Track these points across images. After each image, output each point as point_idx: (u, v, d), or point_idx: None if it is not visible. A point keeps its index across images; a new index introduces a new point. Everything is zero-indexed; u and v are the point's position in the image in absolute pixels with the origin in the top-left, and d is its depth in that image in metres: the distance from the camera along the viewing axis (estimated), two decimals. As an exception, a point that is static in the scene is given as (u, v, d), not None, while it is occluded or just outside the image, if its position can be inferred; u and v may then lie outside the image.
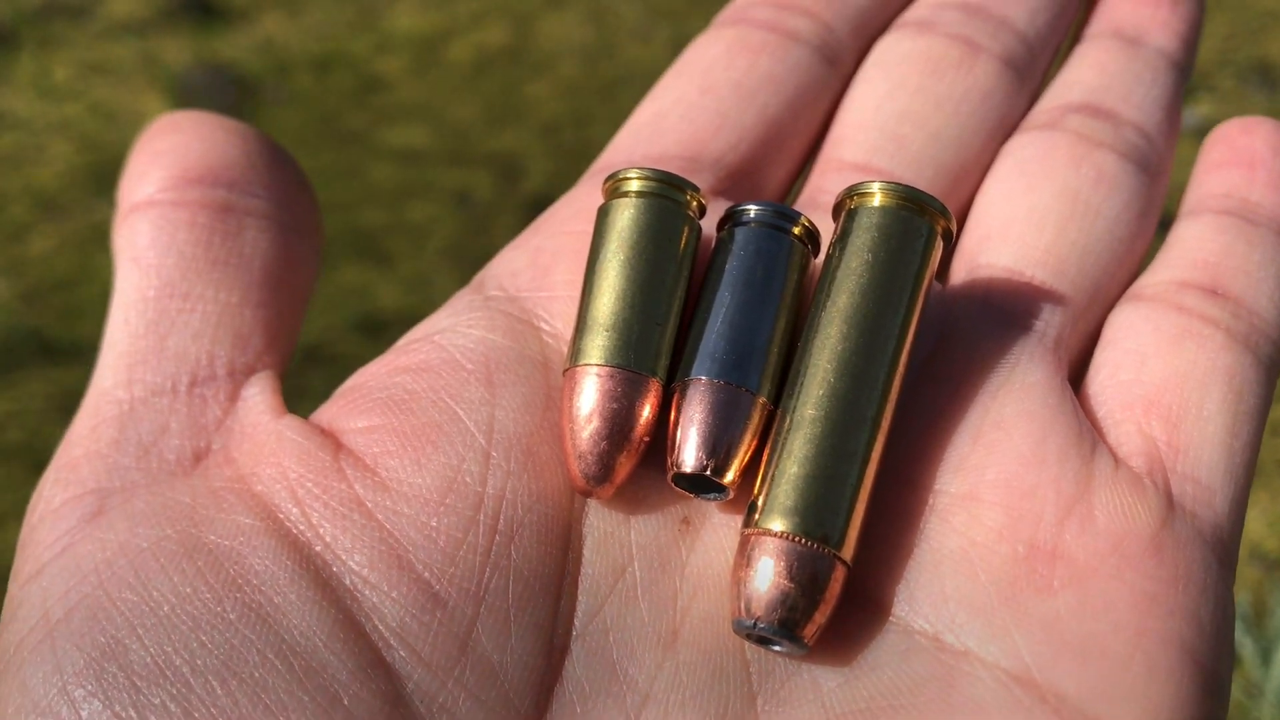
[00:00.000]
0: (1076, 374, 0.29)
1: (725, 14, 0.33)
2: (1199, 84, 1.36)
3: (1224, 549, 0.25)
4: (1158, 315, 0.28)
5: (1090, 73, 0.33)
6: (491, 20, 1.46)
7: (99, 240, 1.16)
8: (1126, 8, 0.34)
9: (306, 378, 1.00)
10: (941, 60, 0.32)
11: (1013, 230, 0.29)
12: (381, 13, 1.47)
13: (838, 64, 0.33)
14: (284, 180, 0.29)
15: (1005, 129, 0.32)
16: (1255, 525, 0.97)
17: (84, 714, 0.21)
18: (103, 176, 1.26)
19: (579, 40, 1.45)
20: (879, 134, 0.31)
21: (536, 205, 1.02)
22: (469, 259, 1.14)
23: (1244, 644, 0.87)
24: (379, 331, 1.08)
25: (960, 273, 0.30)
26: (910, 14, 0.34)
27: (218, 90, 1.35)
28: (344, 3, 1.48)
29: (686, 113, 0.31)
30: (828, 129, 0.33)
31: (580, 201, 0.29)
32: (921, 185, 0.30)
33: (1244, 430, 0.27)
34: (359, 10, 1.47)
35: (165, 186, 0.28)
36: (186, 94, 1.34)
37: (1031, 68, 0.33)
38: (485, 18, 1.47)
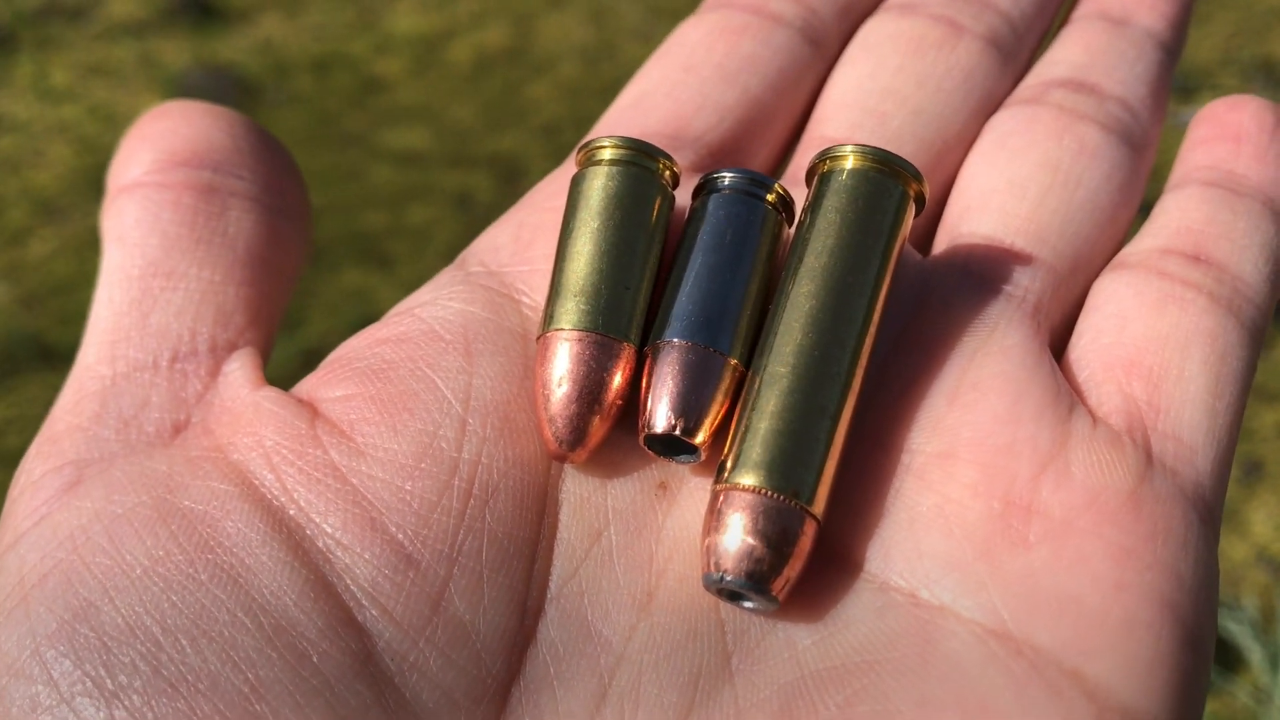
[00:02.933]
0: (1060, 342, 0.28)
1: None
2: (1202, 83, 1.35)
3: (1206, 507, 0.25)
4: (1140, 281, 0.28)
5: (1075, 50, 0.33)
6: (491, 21, 1.46)
7: (98, 244, 1.15)
8: None
9: (307, 381, 0.99)
10: (924, 40, 0.32)
11: (993, 200, 0.30)
12: (381, 13, 1.47)
13: (822, 46, 0.33)
14: (271, 165, 0.29)
15: (989, 107, 0.32)
16: (1262, 529, 0.97)
17: (55, 673, 0.21)
18: (102, 180, 1.25)
19: (579, 41, 1.45)
20: (861, 111, 0.31)
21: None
22: (470, 261, 1.13)
23: (1252, 649, 0.87)
24: (379, 334, 1.07)
25: (941, 244, 0.30)
26: None
27: (217, 92, 1.35)
28: (343, 3, 1.48)
29: (670, 92, 0.31)
30: (813, 109, 0.33)
31: (563, 179, 0.29)
32: None
33: (1227, 392, 0.27)
34: (358, 11, 1.47)
35: (151, 169, 0.28)
36: (185, 95, 1.34)
37: (1016, 48, 0.33)
38: (485, 18, 1.46)
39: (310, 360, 1.04)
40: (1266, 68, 1.37)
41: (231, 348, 0.27)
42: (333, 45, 1.42)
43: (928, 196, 0.27)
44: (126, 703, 0.21)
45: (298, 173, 0.30)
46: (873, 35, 0.33)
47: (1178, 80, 1.35)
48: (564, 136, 1.30)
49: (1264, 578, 0.94)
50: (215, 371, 0.27)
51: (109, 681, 0.21)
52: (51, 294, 1.18)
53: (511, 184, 1.25)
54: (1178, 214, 0.29)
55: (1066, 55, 0.33)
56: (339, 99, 1.36)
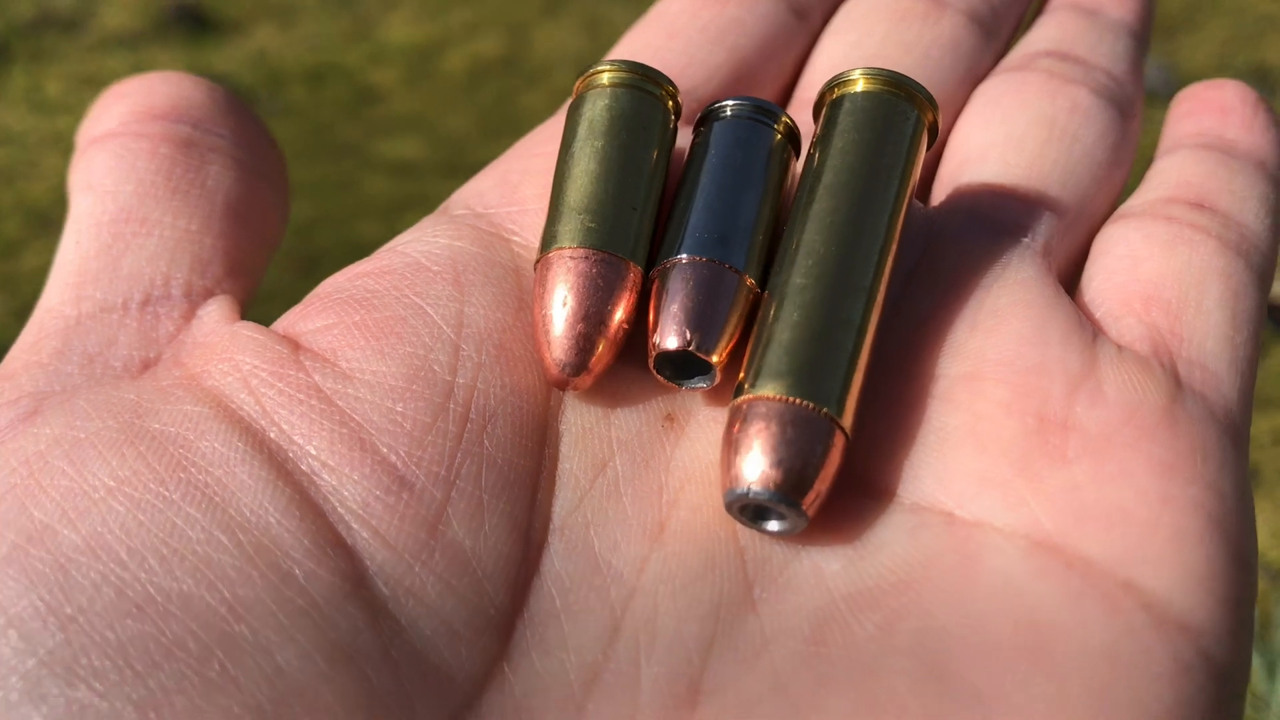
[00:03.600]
0: (1068, 288, 0.28)
1: None
2: (1197, 90, 1.35)
3: (1236, 432, 0.25)
4: (1148, 225, 0.28)
5: (1055, 31, 0.33)
6: (486, 31, 1.46)
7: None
8: None
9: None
10: (908, 12, 0.32)
11: (992, 153, 0.29)
12: (375, 24, 1.47)
13: (806, 18, 0.33)
14: (251, 131, 0.29)
15: (975, 77, 0.33)
16: (1260, 535, 0.97)
17: (3, 599, 0.20)
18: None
19: (574, 50, 1.45)
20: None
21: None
22: (465, 271, 1.13)
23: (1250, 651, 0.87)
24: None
25: (941, 194, 0.29)
26: None
27: (211, 103, 1.35)
28: (337, 14, 1.48)
29: (654, 56, 0.31)
30: (798, 79, 0.33)
31: (550, 129, 0.29)
32: None
33: (1245, 328, 0.26)
34: (352, 21, 1.47)
35: (127, 120, 0.27)
36: (179, 107, 1.34)
37: (995, 27, 0.34)
38: (479, 28, 1.46)
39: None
40: (1260, 74, 1.37)
41: (207, 294, 0.26)
42: (327, 56, 1.42)
43: (940, 126, 0.27)
44: (86, 626, 0.19)
45: (276, 145, 0.29)
46: (856, 7, 0.33)
47: (1171, 86, 1.35)
48: (558, 146, 1.30)
49: (1261, 585, 0.94)
50: (189, 315, 0.26)
51: (65, 605, 0.20)
52: (45, 306, 1.18)
53: (506, 194, 1.25)
54: (1175, 171, 0.29)
55: (1047, 34, 0.33)
56: (333, 109, 1.36)
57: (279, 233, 0.29)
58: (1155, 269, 0.27)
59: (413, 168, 1.29)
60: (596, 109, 0.26)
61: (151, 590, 0.20)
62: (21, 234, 1.23)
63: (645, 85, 0.26)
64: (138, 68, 1.39)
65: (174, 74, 0.29)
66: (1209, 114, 0.31)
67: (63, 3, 1.46)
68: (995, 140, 0.30)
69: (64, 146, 1.31)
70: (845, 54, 0.32)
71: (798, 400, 0.22)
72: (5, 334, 1.15)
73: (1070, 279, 0.29)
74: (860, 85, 0.25)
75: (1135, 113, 0.32)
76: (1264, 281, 0.28)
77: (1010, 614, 0.21)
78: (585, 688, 0.21)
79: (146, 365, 0.25)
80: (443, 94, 1.38)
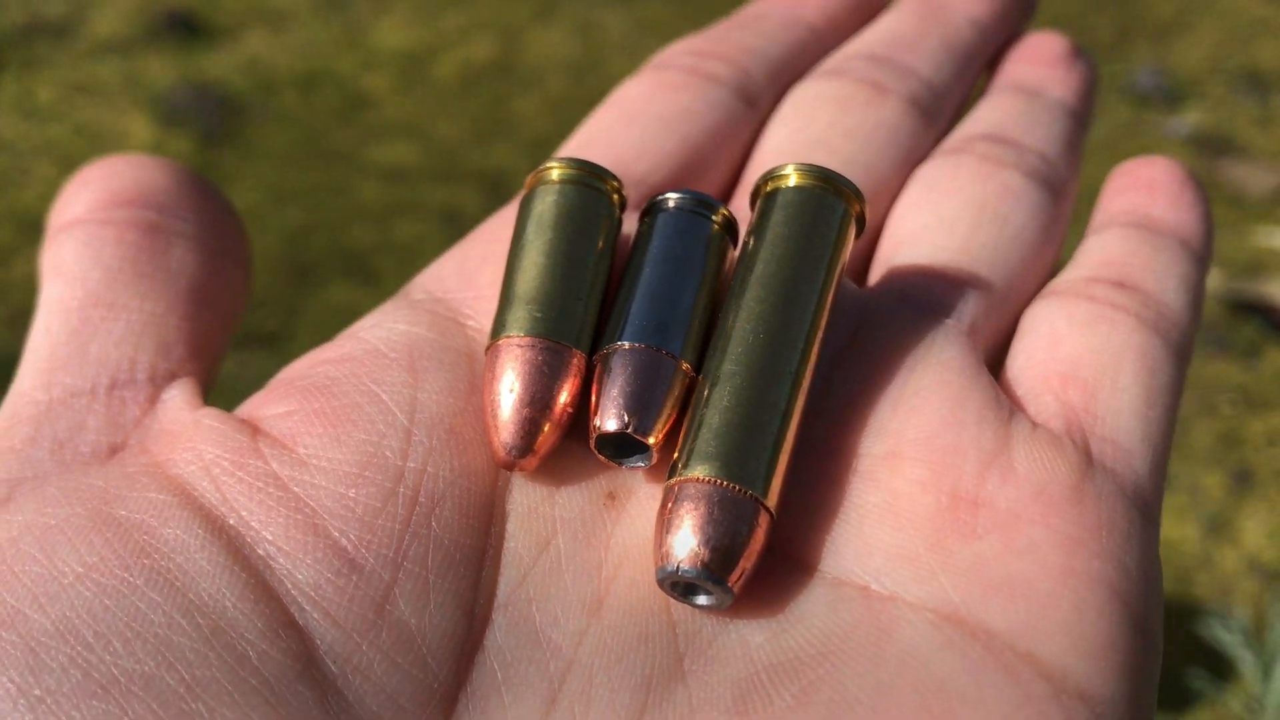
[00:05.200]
0: (994, 366, 0.29)
1: (650, 62, 0.36)
2: (1189, 91, 1.36)
3: (1146, 506, 0.26)
4: (1070, 304, 0.29)
5: (994, 113, 0.35)
6: (478, 36, 1.46)
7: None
8: (1025, 67, 0.36)
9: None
10: (851, 99, 0.34)
11: (925, 236, 0.31)
12: (367, 30, 1.47)
13: (755, 105, 0.35)
14: (213, 210, 0.30)
15: (914, 159, 0.34)
16: (1253, 536, 0.97)
17: None
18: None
19: (566, 55, 1.45)
20: (793, 159, 0.32)
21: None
22: (458, 276, 1.13)
23: (1244, 658, 0.87)
24: (368, 351, 1.07)
25: (877, 274, 0.31)
26: (823, 65, 0.36)
27: (202, 109, 1.35)
28: (329, 20, 1.48)
29: (610, 140, 0.33)
30: (747, 163, 0.34)
31: (507, 216, 0.30)
32: None
33: (1159, 403, 0.27)
34: (344, 27, 1.47)
35: (94, 207, 0.28)
36: (171, 113, 1.33)
37: (937, 111, 0.35)
38: (472, 34, 1.46)
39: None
40: (1251, 76, 1.38)
41: (171, 377, 0.27)
42: (319, 62, 1.42)
43: (867, 219, 0.28)
44: (52, 705, 0.21)
45: (239, 221, 0.30)
46: (803, 95, 0.35)
47: (1164, 89, 1.36)
48: (551, 150, 1.30)
49: (1255, 586, 0.94)
50: (154, 399, 0.26)
51: (35, 687, 0.21)
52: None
53: (499, 199, 1.25)
54: (1101, 250, 0.31)
55: (985, 117, 0.35)
56: (325, 115, 1.36)
57: (241, 309, 0.30)
58: (1074, 348, 0.28)
59: (405, 173, 1.29)
60: (545, 204, 0.27)
61: (116, 672, 0.21)
62: (13, 241, 1.23)
63: (591, 181, 0.27)
64: (129, 74, 1.39)
65: (139, 158, 0.30)
66: (1138, 191, 0.32)
67: (54, 9, 1.46)
68: (929, 223, 0.31)
69: (55, 154, 1.31)
70: (790, 139, 0.33)
71: (725, 483, 0.23)
72: (-3, 342, 1.15)
73: (999, 355, 0.30)
74: (792, 180, 0.27)
75: (1068, 192, 0.33)
76: (1181, 357, 0.29)
77: (917, 685, 0.22)
78: None
79: (114, 450, 0.26)
80: (435, 99, 1.38)
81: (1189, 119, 1.32)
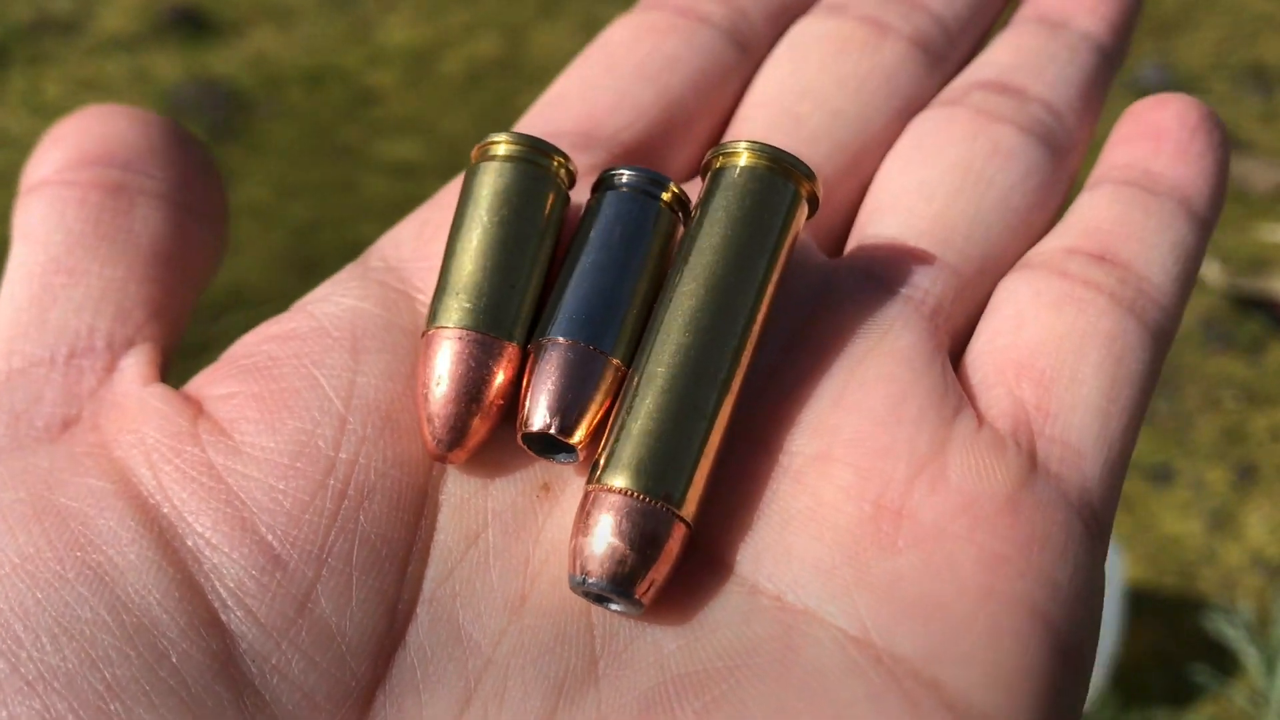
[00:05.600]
0: (964, 344, 0.28)
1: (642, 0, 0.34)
2: (1193, 87, 1.35)
3: (1091, 513, 0.25)
4: (1040, 281, 0.28)
5: (1005, 53, 0.33)
6: (483, 32, 1.46)
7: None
8: None
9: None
10: (848, 40, 0.32)
11: (902, 202, 0.29)
12: (373, 26, 1.47)
13: (751, 49, 0.33)
14: (186, 164, 0.29)
15: (912, 109, 0.32)
16: (1258, 531, 0.97)
17: None
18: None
19: (571, 51, 1.45)
20: (779, 111, 0.31)
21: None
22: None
23: (1249, 653, 0.87)
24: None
25: (850, 245, 0.29)
26: None
27: (209, 105, 1.35)
28: (335, 16, 1.48)
29: (586, 93, 0.31)
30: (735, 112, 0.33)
31: None
32: (816, 162, 0.30)
33: (1122, 395, 0.26)
34: (350, 23, 1.47)
35: (60, 167, 0.28)
36: (177, 109, 1.34)
37: (947, 50, 0.33)
38: (477, 30, 1.46)
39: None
40: (1256, 72, 1.38)
41: (129, 344, 0.27)
42: (325, 58, 1.43)
43: (821, 197, 0.27)
44: None
45: (216, 174, 0.30)
46: (799, 36, 0.33)
47: (1168, 85, 1.36)
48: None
49: (1259, 581, 0.94)
50: (111, 367, 0.27)
51: None
52: (45, 309, 1.18)
53: (505, 195, 1.25)
54: (1088, 213, 0.29)
55: (996, 57, 0.33)
56: (332, 111, 1.36)
57: (211, 270, 0.30)
58: (1037, 333, 0.27)
59: (412, 169, 1.30)
60: (485, 183, 0.26)
61: (41, 668, 0.21)
62: (21, 237, 1.24)
63: (535, 158, 0.26)
64: (136, 70, 1.39)
65: (110, 110, 0.29)
66: (1143, 141, 0.30)
67: (61, 6, 1.47)
68: (908, 187, 0.29)
69: (63, 149, 1.32)
70: (779, 86, 0.32)
71: (640, 495, 0.23)
72: (5, 337, 1.16)
73: (970, 332, 0.28)
74: (741, 159, 0.26)
75: (1074, 145, 0.31)
76: (1158, 338, 0.27)
77: (815, 709, 0.22)
78: None
79: (66, 424, 0.26)
80: (441, 95, 1.38)
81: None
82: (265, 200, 1.24)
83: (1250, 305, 1.14)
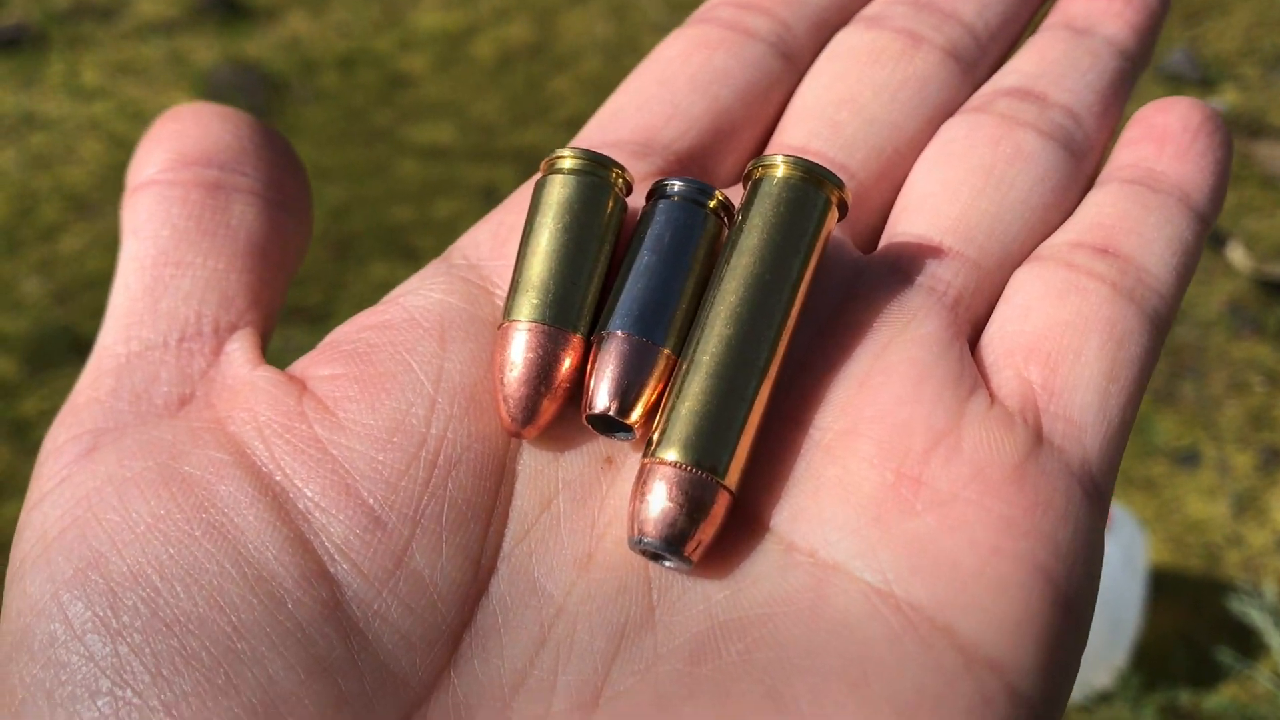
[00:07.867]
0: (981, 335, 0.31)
1: (693, 15, 0.36)
2: (1224, 74, 1.35)
3: (1092, 483, 0.27)
4: (1047, 272, 0.30)
5: (1029, 60, 0.35)
6: (514, 17, 1.47)
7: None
8: (1082, 1, 0.36)
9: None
10: (884, 51, 0.34)
11: (928, 202, 0.32)
12: (406, 10, 1.48)
13: (794, 59, 0.35)
14: (274, 162, 0.32)
15: (943, 115, 0.34)
16: (1283, 514, 0.97)
17: (70, 613, 0.25)
18: (132, 175, 1.27)
19: (601, 35, 1.46)
20: (818, 120, 0.33)
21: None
22: (495, 254, 1.14)
23: (1272, 635, 0.87)
24: (406, 327, 1.08)
25: (882, 242, 0.32)
26: (864, 11, 0.36)
27: (245, 88, 1.36)
28: (369, 1, 1.49)
29: (643, 104, 0.34)
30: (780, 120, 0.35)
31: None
32: (853, 167, 0.33)
33: (1122, 375, 0.29)
34: (383, 8, 1.48)
35: (164, 168, 0.31)
36: (214, 92, 1.35)
37: (978, 58, 0.35)
38: (508, 14, 1.47)
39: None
40: (1287, 57, 1.37)
41: (233, 329, 0.30)
42: (358, 42, 1.44)
43: (850, 202, 0.30)
44: (129, 639, 0.24)
45: (300, 167, 0.33)
46: (838, 47, 0.35)
47: (1197, 70, 1.35)
48: (587, 131, 1.31)
49: (1284, 564, 0.94)
50: (218, 350, 0.29)
51: (114, 620, 0.25)
52: (83, 288, 1.20)
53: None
54: (1094, 209, 0.31)
55: (1021, 65, 0.35)
56: (365, 95, 1.37)
57: (299, 258, 0.33)
58: (1043, 320, 0.29)
59: (443, 152, 1.31)
60: (552, 193, 0.30)
61: (176, 612, 0.25)
62: (60, 217, 1.25)
63: (595, 171, 0.30)
64: (172, 55, 1.41)
65: (204, 111, 0.32)
66: (1148, 144, 0.32)
67: (98, -10, 1.48)
68: (934, 189, 0.32)
69: (101, 132, 1.33)
70: (820, 96, 0.34)
71: (689, 467, 0.26)
72: (45, 316, 1.17)
73: (988, 321, 0.31)
74: (779, 171, 0.29)
75: (1092, 147, 0.33)
76: (1157, 325, 0.30)
77: (842, 649, 0.25)
78: (513, 691, 0.25)
79: (183, 401, 0.29)
80: (472, 79, 1.39)
81: (1224, 100, 1.32)
82: (299, 183, 1.26)
83: (1277, 290, 1.14)
